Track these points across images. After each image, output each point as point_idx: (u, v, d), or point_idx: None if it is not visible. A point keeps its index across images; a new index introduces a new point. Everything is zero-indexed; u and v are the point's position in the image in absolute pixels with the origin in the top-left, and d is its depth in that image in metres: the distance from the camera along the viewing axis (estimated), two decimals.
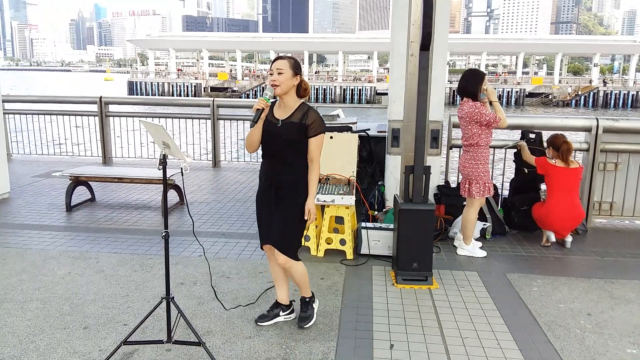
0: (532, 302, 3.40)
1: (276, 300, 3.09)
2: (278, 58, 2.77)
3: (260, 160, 2.93)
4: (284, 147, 2.77)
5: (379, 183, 5.25)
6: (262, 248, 3.00)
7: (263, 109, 2.71)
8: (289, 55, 2.96)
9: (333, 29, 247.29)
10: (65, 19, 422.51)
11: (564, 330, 3.03)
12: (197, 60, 65.68)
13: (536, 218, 4.56)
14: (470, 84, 4.08)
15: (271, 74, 2.75)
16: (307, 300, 3.05)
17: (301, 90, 2.82)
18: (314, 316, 3.04)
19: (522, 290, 3.58)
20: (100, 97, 8.23)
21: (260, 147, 2.87)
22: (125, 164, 8.14)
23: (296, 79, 2.76)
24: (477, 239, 4.46)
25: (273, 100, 2.83)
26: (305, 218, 2.80)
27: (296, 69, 2.76)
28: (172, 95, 51.22)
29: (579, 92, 48.71)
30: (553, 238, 4.50)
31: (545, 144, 4.65)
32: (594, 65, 55.85)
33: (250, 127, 2.77)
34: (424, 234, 3.62)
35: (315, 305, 3.10)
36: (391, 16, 4.86)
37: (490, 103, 4.10)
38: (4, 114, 7.15)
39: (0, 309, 3.18)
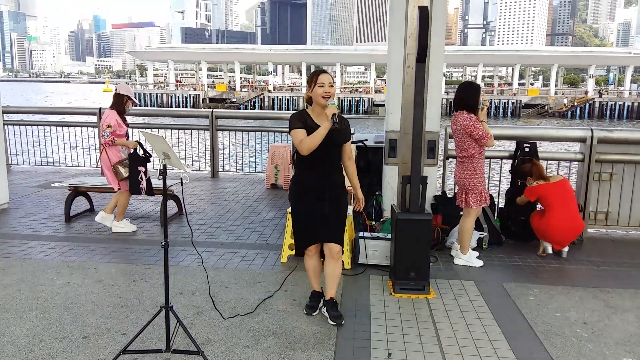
0: (528, 311, 3.42)
1: (314, 290, 3.36)
2: (323, 72, 3.05)
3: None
4: (334, 151, 3.09)
5: (377, 193, 5.29)
6: (303, 249, 3.25)
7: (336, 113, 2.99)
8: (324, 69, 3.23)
9: (331, 41, 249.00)
10: (65, 30, 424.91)
11: (561, 339, 3.05)
12: (196, 71, 66.00)
13: (536, 229, 4.57)
14: (469, 96, 4.13)
15: (321, 86, 2.99)
16: (335, 301, 3.25)
17: None
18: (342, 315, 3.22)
19: (519, 300, 3.60)
20: (100, 109, 8.27)
21: (307, 154, 3.05)
22: None
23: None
24: (474, 249, 4.49)
25: (304, 109, 3.15)
26: (356, 209, 3.27)
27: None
28: (171, 106, 51.45)
29: (575, 103, 49.08)
30: (550, 250, 4.53)
31: (528, 169, 4.69)
32: (590, 77, 56.29)
33: (333, 128, 2.98)
34: (421, 243, 3.65)
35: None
36: (388, 29, 4.94)
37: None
38: (4, 124, 7.19)
39: None
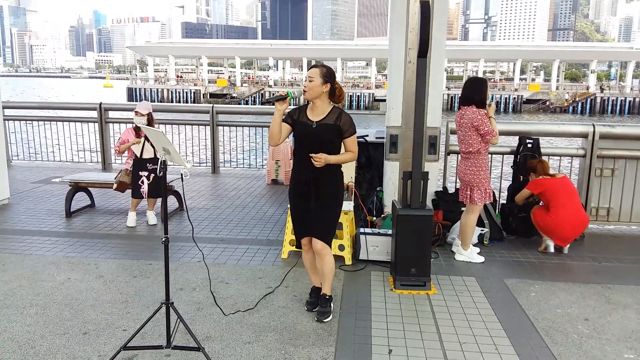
0: (529, 307, 3.42)
1: (314, 286, 3.37)
2: (312, 66, 3.07)
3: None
4: (320, 146, 3.00)
5: (378, 189, 5.27)
6: (299, 242, 3.25)
7: (283, 97, 2.96)
8: (323, 63, 3.22)
9: (332, 36, 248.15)
10: (65, 25, 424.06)
11: (562, 335, 3.05)
12: (197, 66, 65.84)
13: (541, 226, 4.53)
14: (477, 91, 4.10)
15: (305, 80, 3.05)
16: (328, 298, 3.20)
17: (335, 96, 3.10)
18: (331, 313, 3.17)
19: (520, 296, 3.59)
20: (100, 104, 8.27)
21: (295, 147, 3.13)
22: None
23: (325, 87, 3.04)
24: (475, 245, 4.48)
25: (306, 104, 3.13)
26: (315, 158, 2.95)
27: (326, 77, 3.03)
28: (172, 101, 51.30)
29: (577, 99, 48.91)
30: (552, 249, 4.50)
31: (534, 165, 4.73)
32: (591, 72, 56.09)
33: (261, 103, 2.98)
34: (422, 239, 3.64)
35: (333, 305, 3.25)
36: (389, 23, 4.91)
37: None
38: (4, 120, 7.18)
39: (0, 314, 3.18)
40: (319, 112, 3.07)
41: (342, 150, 3.16)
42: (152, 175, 5.09)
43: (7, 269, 3.92)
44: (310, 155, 2.95)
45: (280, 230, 5.03)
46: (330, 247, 3.18)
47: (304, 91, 3.03)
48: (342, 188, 3.24)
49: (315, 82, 3.00)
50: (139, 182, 5.11)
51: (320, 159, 2.95)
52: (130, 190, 5.28)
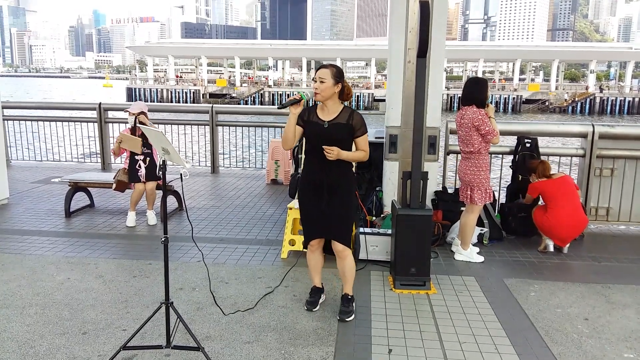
0: (529, 307, 3.42)
1: (315, 286, 3.37)
2: (322, 67, 3.03)
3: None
4: (332, 146, 2.97)
5: (377, 189, 5.28)
6: (307, 243, 3.23)
7: (298, 100, 2.94)
8: (332, 64, 3.17)
9: (331, 36, 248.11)
10: (65, 25, 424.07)
11: (562, 335, 3.05)
12: (196, 66, 65.79)
13: (539, 226, 4.54)
14: (477, 91, 4.11)
15: (315, 81, 3.01)
16: (350, 298, 3.20)
17: (344, 95, 3.10)
18: (354, 312, 3.16)
19: (520, 295, 3.59)
20: (100, 104, 8.26)
21: (306, 148, 3.13)
22: None
23: (337, 87, 3.03)
24: (474, 244, 4.48)
25: (315, 104, 3.11)
26: (328, 150, 2.94)
27: (337, 77, 3.01)
28: (171, 101, 51.26)
29: (576, 99, 48.91)
30: (552, 248, 4.51)
31: (535, 166, 4.74)
32: (591, 72, 56.14)
33: (277, 108, 3.04)
34: (422, 239, 3.64)
35: (355, 305, 3.22)
36: (389, 24, 4.91)
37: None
38: (4, 120, 7.18)
39: None
40: (330, 111, 3.06)
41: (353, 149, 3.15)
42: (148, 158, 5.14)
43: (6, 269, 3.92)
44: (323, 147, 2.93)
45: (279, 230, 5.03)
46: (350, 247, 3.18)
47: (316, 93, 3.00)
48: (355, 189, 3.21)
49: (327, 84, 2.98)
50: (137, 167, 5.14)
51: (332, 152, 2.93)
52: (129, 190, 5.27)
